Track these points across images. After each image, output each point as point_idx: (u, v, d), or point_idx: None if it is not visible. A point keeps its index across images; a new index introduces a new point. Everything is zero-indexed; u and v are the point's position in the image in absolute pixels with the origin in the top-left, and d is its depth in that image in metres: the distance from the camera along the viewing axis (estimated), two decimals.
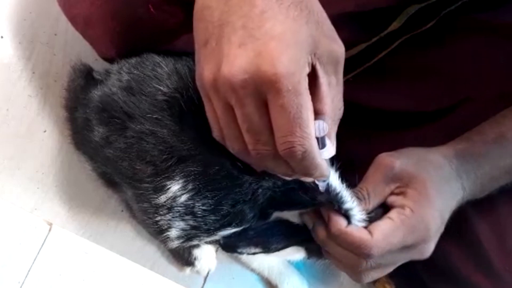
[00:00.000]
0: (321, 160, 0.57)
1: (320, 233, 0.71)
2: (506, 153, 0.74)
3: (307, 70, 0.54)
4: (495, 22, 0.83)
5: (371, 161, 0.72)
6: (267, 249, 0.71)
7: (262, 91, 0.53)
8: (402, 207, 0.67)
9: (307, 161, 0.55)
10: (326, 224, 0.69)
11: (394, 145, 0.75)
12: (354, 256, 0.67)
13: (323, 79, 0.56)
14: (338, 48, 0.57)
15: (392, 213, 0.68)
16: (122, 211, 0.94)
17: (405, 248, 0.68)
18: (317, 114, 0.56)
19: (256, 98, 0.54)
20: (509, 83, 0.81)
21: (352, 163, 0.71)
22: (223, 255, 0.97)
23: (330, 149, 0.59)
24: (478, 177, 0.73)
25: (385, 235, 0.66)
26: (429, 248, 0.70)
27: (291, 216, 0.73)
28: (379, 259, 0.67)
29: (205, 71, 0.57)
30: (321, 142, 0.57)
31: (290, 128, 0.53)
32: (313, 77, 0.55)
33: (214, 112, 0.60)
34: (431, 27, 0.83)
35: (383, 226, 0.67)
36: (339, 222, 0.68)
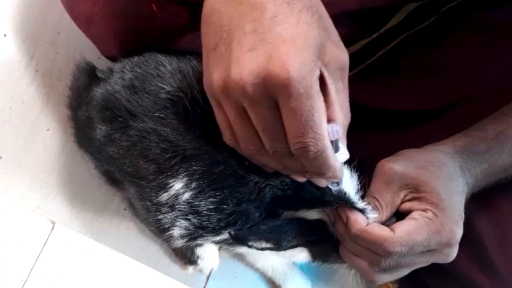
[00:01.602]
0: (335, 161, 0.58)
1: (341, 228, 0.69)
2: (506, 151, 0.73)
3: (318, 73, 0.54)
4: (494, 20, 0.83)
5: (374, 161, 0.72)
6: (278, 246, 0.70)
7: (274, 94, 0.53)
8: (424, 210, 0.66)
9: (320, 160, 0.56)
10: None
11: (396, 145, 0.75)
12: (374, 254, 0.66)
13: (331, 85, 0.56)
14: (343, 54, 0.57)
15: (415, 214, 0.66)
16: (125, 209, 0.95)
17: (428, 251, 0.67)
18: (328, 121, 0.56)
19: (268, 100, 0.54)
20: (508, 81, 0.81)
21: (355, 164, 0.71)
22: (226, 254, 0.97)
23: (345, 152, 0.59)
24: (478, 173, 0.72)
25: (408, 232, 0.64)
26: (454, 252, 0.69)
27: (309, 213, 0.72)
28: (400, 258, 0.65)
29: (214, 76, 0.56)
30: (335, 145, 0.58)
31: (302, 130, 0.53)
32: (321, 84, 0.55)
33: (225, 116, 0.60)
34: (431, 25, 0.83)
35: (406, 224, 0.66)
36: (359, 221, 0.66)
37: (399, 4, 0.82)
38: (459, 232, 0.67)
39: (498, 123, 0.75)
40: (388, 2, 0.80)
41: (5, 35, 0.96)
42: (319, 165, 0.57)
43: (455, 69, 0.85)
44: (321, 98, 0.54)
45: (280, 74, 0.51)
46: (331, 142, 0.57)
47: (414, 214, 0.67)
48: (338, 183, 0.65)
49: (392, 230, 0.65)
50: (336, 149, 0.58)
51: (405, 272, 0.70)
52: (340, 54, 0.56)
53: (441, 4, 0.83)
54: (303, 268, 0.98)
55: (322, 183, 0.65)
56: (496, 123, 0.75)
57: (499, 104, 0.79)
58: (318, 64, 0.54)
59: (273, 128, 0.55)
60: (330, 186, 0.66)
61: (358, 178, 0.70)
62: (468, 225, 0.70)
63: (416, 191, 0.68)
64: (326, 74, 0.55)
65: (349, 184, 0.68)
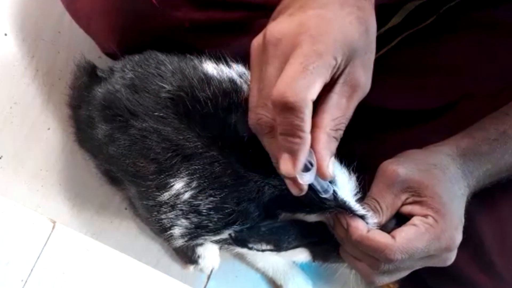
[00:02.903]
0: (308, 124, 0.56)
1: (341, 233, 0.69)
2: (509, 151, 0.73)
3: (333, 62, 0.55)
4: (494, 19, 0.83)
5: (374, 161, 0.71)
6: (278, 247, 0.70)
7: (287, 58, 0.55)
8: (425, 215, 0.66)
9: (294, 115, 0.54)
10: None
11: (397, 144, 0.75)
12: (374, 259, 0.66)
13: (334, 95, 0.57)
14: (365, 81, 0.59)
15: (415, 220, 0.66)
16: (126, 209, 0.95)
17: (427, 256, 0.67)
18: (312, 127, 0.57)
19: (280, 62, 0.56)
20: (508, 79, 0.81)
21: (356, 164, 0.71)
22: (227, 253, 0.97)
23: (307, 176, 0.59)
24: (481, 174, 0.72)
25: (409, 240, 0.64)
26: (452, 256, 0.69)
27: (308, 216, 0.72)
28: (399, 263, 0.65)
29: (255, 38, 0.60)
30: (306, 164, 0.58)
31: (290, 82, 0.54)
32: (327, 91, 0.57)
33: None
34: (431, 24, 0.83)
35: (407, 231, 0.65)
36: (360, 227, 0.66)
37: (400, 3, 0.82)
38: (458, 238, 0.67)
39: (501, 123, 0.75)
40: (389, 0, 0.80)
41: (5, 35, 0.96)
42: (292, 122, 0.55)
43: (456, 68, 0.84)
44: (321, 80, 0.55)
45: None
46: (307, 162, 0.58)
47: (414, 220, 0.66)
48: (327, 190, 0.64)
49: (393, 236, 0.65)
50: (306, 169, 0.58)
51: (404, 274, 0.70)
52: (361, 77, 0.58)
53: (441, 3, 0.83)
54: (303, 267, 0.98)
55: (293, 188, 0.61)
56: (499, 123, 0.75)
57: (500, 103, 0.79)
58: (335, 57, 0.55)
59: (267, 91, 0.57)
60: (322, 196, 0.65)
61: (358, 179, 0.70)
62: (469, 225, 0.70)
63: (418, 194, 0.68)
64: (339, 81, 0.57)
65: (347, 189, 0.68)
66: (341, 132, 0.59)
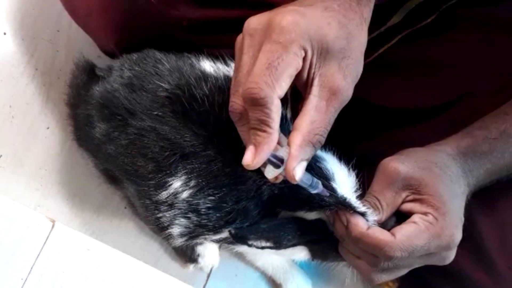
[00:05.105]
0: (276, 118, 0.58)
1: (341, 230, 0.69)
2: (509, 151, 0.73)
3: (303, 53, 0.58)
4: (495, 17, 0.82)
5: (375, 159, 0.71)
6: (277, 245, 0.70)
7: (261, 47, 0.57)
8: (425, 213, 0.66)
9: (261, 110, 0.57)
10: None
11: (397, 142, 0.75)
12: (374, 256, 0.66)
13: (313, 97, 0.59)
14: (344, 86, 0.60)
15: (415, 218, 0.66)
16: (125, 208, 0.95)
17: (427, 254, 0.67)
18: (293, 129, 0.59)
19: (254, 51, 0.58)
20: (509, 77, 0.80)
21: (357, 161, 0.71)
22: (226, 252, 0.97)
23: (272, 172, 0.60)
24: (481, 173, 0.72)
25: (408, 237, 0.64)
26: (451, 255, 0.69)
27: (308, 213, 0.72)
28: (399, 261, 0.65)
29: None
30: (274, 161, 0.59)
31: (261, 72, 0.56)
32: (308, 93, 0.59)
33: None
34: (431, 23, 0.83)
35: (406, 228, 0.65)
36: (360, 224, 0.66)
37: (400, 2, 0.82)
38: (458, 236, 0.67)
39: (501, 122, 0.75)
40: None
41: (4, 34, 0.96)
42: (259, 117, 0.57)
43: (456, 66, 0.84)
44: (296, 65, 0.57)
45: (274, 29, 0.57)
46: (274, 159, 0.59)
47: (414, 218, 0.66)
48: (314, 186, 0.64)
49: (393, 234, 0.65)
50: (275, 165, 0.60)
51: (403, 272, 0.70)
52: (340, 81, 0.59)
53: (442, 1, 0.83)
54: (303, 266, 0.98)
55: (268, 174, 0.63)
56: (499, 122, 0.75)
57: (500, 101, 0.79)
58: (304, 47, 0.57)
59: (240, 79, 0.59)
60: (315, 191, 0.64)
61: (358, 176, 0.70)
62: (469, 224, 0.70)
63: (418, 192, 0.68)
64: (315, 83, 0.59)
65: (347, 185, 0.68)
66: (319, 138, 0.60)
